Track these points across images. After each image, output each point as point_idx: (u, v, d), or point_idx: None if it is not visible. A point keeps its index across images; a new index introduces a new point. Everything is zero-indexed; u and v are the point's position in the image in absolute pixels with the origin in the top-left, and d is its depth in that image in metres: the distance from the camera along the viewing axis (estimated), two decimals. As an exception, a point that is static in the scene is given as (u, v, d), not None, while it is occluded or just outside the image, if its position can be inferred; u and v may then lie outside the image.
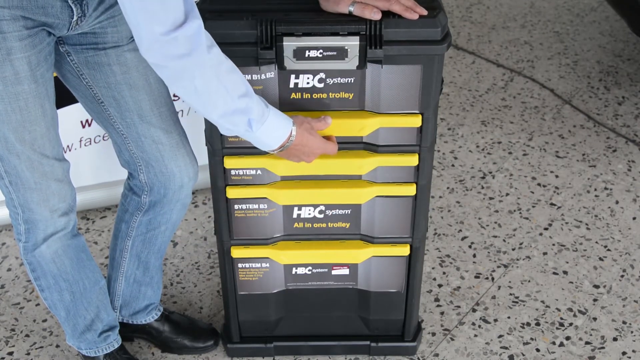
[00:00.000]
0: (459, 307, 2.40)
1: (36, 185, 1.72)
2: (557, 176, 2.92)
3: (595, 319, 2.36)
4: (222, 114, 1.57)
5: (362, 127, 1.82)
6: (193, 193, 2.79)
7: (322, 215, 1.94)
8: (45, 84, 1.64)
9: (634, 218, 2.73)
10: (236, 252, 1.98)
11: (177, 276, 2.53)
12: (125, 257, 2.08)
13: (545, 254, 2.59)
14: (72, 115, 2.42)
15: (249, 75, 1.72)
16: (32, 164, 1.69)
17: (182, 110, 2.57)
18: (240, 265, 2.01)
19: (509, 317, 2.37)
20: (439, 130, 3.14)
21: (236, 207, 1.92)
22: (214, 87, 1.53)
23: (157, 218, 2.02)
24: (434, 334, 2.31)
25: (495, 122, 3.22)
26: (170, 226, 2.06)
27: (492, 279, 2.49)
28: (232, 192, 1.90)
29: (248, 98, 1.58)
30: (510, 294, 2.44)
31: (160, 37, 1.43)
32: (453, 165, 2.98)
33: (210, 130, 1.81)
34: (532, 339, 2.31)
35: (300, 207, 1.92)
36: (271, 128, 1.64)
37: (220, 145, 1.84)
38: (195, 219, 2.73)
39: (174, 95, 2.34)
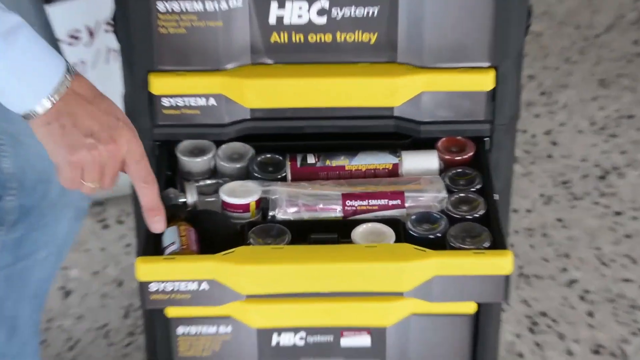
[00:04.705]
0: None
1: None
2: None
3: None
4: None
5: (394, 90, 1.37)
6: (100, 204, 2.17)
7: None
8: None
9: None
10: (174, 309, 1.39)
11: (70, 350, 1.87)
12: None
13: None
14: None
15: (201, 4, 1.31)
16: None
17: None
18: (180, 330, 1.42)
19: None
20: (526, 96, 2.49)
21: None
22: None
23: (31, 236, 1.46)
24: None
25: (623, 80, 2.57)
26: (55, 251, 1.50)
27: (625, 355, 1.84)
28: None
29: None
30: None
31: None
32: (550, 156, 2.34)
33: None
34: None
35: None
36: (29, 56, 1.17)
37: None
38: (102, 249, 2.10)
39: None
